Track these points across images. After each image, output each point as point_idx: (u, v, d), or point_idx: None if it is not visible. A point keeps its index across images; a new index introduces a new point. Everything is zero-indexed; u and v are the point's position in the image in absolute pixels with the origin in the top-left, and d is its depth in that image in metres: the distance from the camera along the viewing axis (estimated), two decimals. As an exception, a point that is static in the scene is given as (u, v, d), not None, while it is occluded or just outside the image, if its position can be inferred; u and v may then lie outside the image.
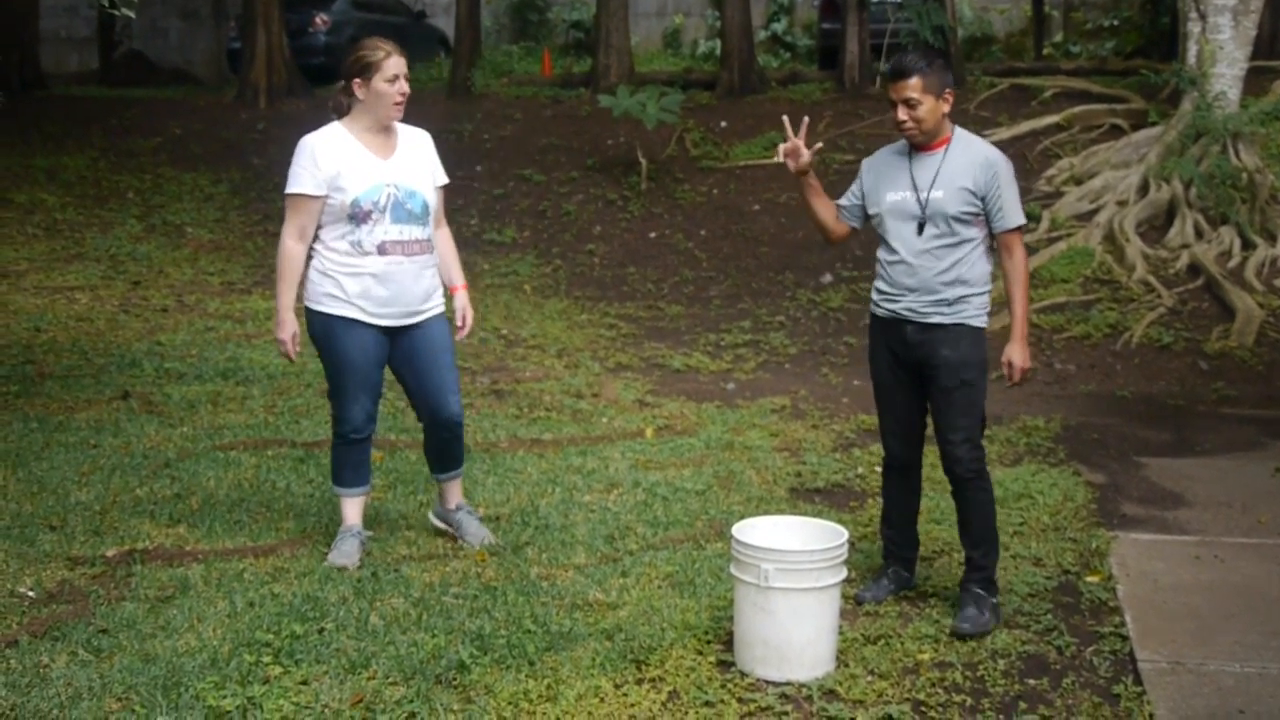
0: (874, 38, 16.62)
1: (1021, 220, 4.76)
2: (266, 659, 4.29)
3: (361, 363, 5.14)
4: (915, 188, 4.76)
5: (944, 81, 4.73)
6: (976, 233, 4.74)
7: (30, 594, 4.82)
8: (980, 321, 4.78)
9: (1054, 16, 22.40)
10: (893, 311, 4.86)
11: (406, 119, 5.24)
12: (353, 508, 5.35)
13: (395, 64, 5.07)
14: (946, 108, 4.74)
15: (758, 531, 4.53)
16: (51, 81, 20.81)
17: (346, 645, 4.42)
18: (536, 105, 16.81)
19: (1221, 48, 12.40)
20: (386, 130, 5.18)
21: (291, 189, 5.06)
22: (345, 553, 5.20)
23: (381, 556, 5.33)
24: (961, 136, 4.82)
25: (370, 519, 5.60)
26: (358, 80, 5.07)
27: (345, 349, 5.11)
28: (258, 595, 4.84)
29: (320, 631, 4.53)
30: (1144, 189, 12.19)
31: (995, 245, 4.83)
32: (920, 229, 4.75)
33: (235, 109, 17.13)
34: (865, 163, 5.03)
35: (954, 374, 4.75)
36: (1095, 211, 12.12)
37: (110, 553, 5.22)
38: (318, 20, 20.13)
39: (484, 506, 5.94)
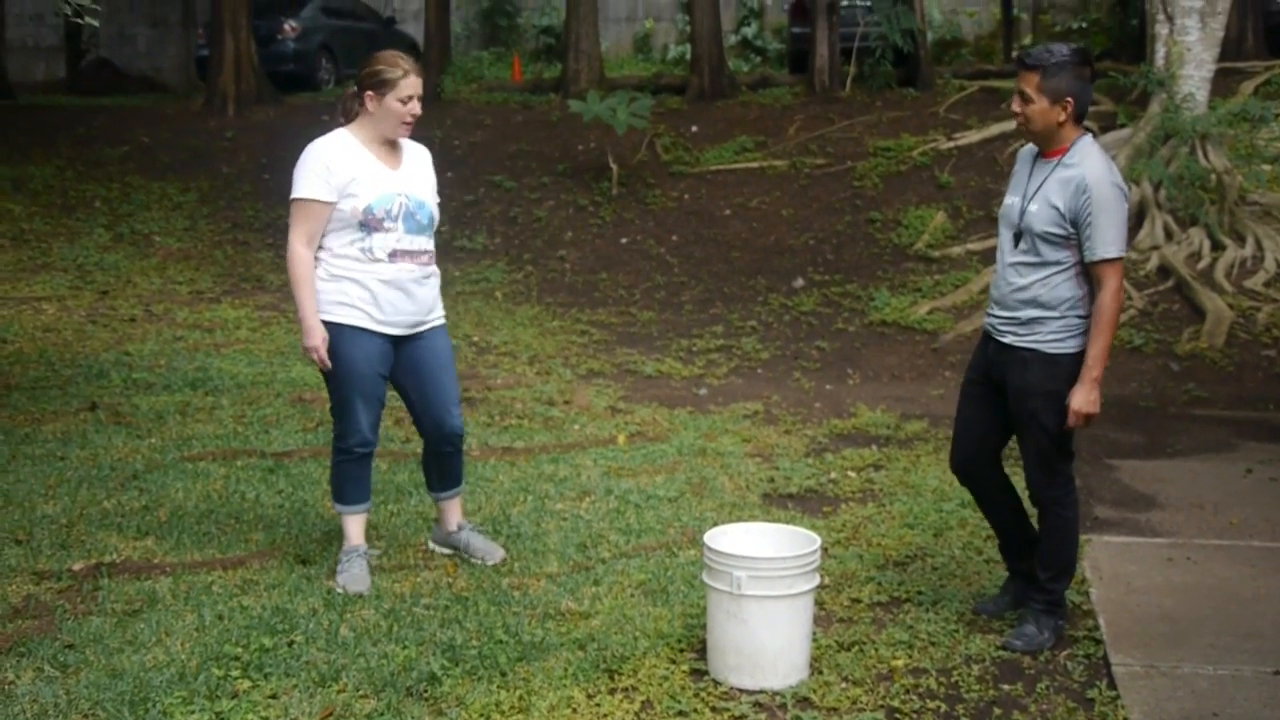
0: (844, 41, 16.67)
1: (1114, 253, 4.36)
2: (235, 673, 4.24)
3: (367, 372, 5.02)
4: (1024, 195, 4.55)
5: (1067, 89, 4.40)
6: (1066, 257, 4.44)
7: (-5, 609, 4.76)
8: (1055, 348, 4.48)
9: (1023, 19, 22.52)
10: (987, 321, 4.74)
11: None
12: (356, 526, 5.23)
13: (412, 84, 4.98)
14: (1062, 117, 4.42)
15: (730, 538, 4.50)
16: (18, 91, 20.70)
17: (316, 658, 4.38)
18: (506, 111, 16.78)
19: (1189, 49, 12.47)
20: (392, 143, 5.11)
21: (302, 194, 4.92)
22: (357, 577, 5.05)
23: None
24: (1079, 149, 4.47)
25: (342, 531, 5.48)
26: (371, 93, 4.97)
27: (352, 358, 4.99)
28: (226, 608, 4.79)
29: (290, 644, 4.48)
30: (1114, 191, 12.23)
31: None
32: (1016, 241, 4.55)
33: (203, 117, 17.01)
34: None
35: (1020, 402, 4.59)
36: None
37: (77, 566, 5.16)
38: (286, 27, 20.12)
39: (455, 515, 5.90)
